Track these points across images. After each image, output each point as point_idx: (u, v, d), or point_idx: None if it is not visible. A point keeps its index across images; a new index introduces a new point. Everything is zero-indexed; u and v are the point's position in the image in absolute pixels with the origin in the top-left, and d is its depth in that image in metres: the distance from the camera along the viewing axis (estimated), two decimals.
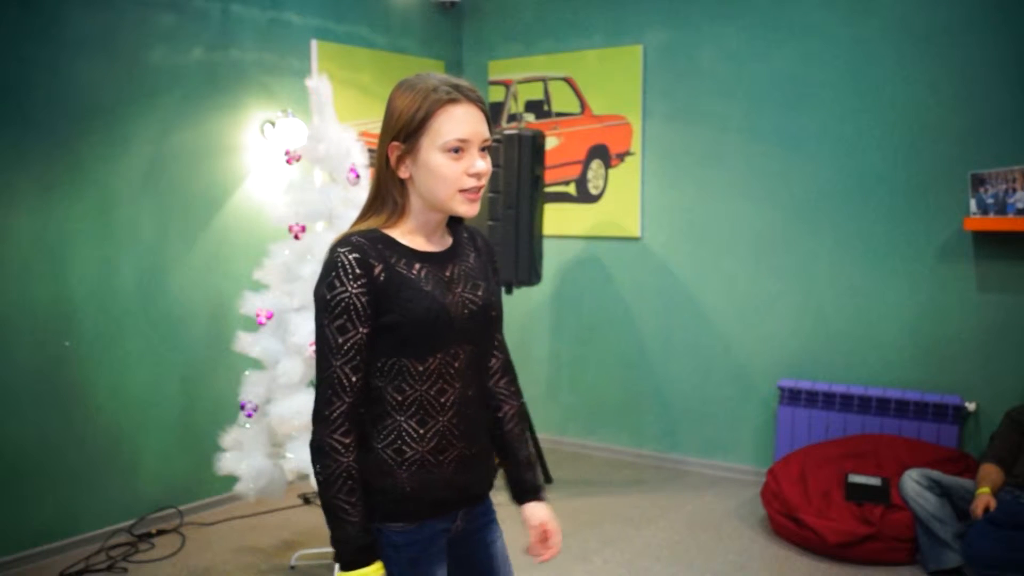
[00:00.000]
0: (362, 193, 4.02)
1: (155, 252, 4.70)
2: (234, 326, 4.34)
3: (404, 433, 1.92)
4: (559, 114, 6.07)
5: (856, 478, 4.45)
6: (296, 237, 3.93)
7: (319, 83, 4.02)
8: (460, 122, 1.86)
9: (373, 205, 1.96)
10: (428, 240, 1.97)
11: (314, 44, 5.38)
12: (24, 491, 4.26)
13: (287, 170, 4.84)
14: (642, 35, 5.70)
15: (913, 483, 4.16)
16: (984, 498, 3.92)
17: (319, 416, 1.89)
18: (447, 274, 1.96)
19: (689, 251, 5.64)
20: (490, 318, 2.02)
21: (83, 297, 4.42)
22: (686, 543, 4.54)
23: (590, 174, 5.97)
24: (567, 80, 6.02)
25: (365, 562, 1.86)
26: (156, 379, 4.74)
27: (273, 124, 5.06)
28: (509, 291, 5.24)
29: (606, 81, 5.86)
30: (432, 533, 1.98)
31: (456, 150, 1.86)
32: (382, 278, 1.85)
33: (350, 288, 1.82)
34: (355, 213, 3.96)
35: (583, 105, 5.97)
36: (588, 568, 4.26)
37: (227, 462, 4.03)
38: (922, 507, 4.10)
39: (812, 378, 5.23)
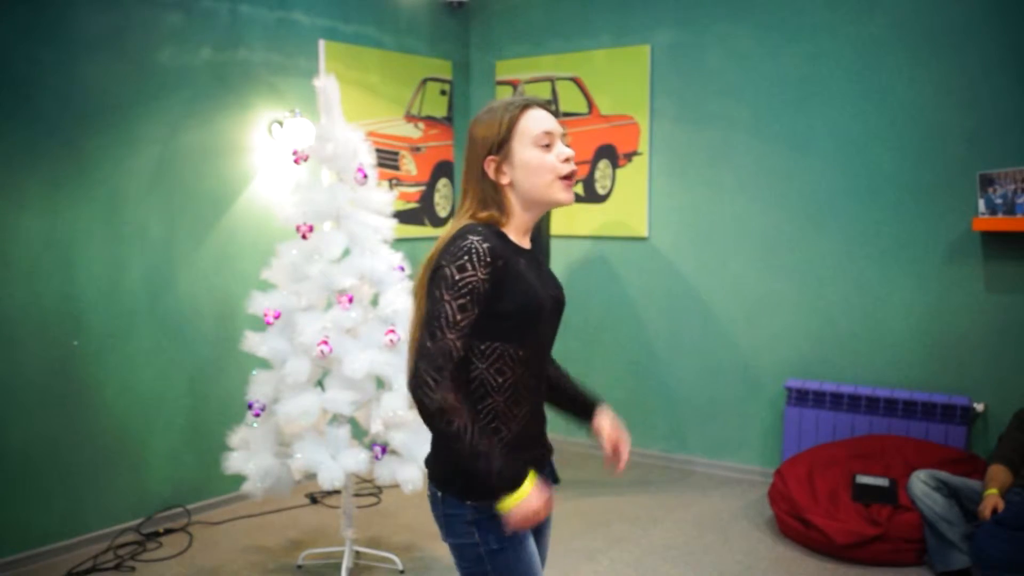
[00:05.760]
0: (369, 193, 4.03)
1: (163, 252, 4.71)
2: (242, 325, 4.34)
3: (500, 414, 2.14)
4: (567, 114, 6.07)
5: (864, 479, 4.44)
6: (304, 237, 3.94)
7: (327, 83, 4.02)
8: (541, 119, 2.15)
9: (475, 206, 2.16)
10: (523, 237, 2.21)
11: (322, 44, 5.39)
12: (33, 490, 4.27)
13: (295, 170, 4.84)
14: (650, 35, 5.69)
15: (921, 484, 4.15)
16: (992, 499, 3.91)
17: (432, 381, 2.00)
18: (539, 269, 2.21)
19: (696, 251, 5.64)
20: (562, 310, 2.27)
21: (91, 296, 4.43)
22: (693, 543, 4.54)
23: (597, 174, 5.96)
24: (575, 80, 6.02)
25: (522, 479, 2.03)
26: (164, 378, 4.75)
27: (281, 124, 5.06)
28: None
29: (614, 81, 5.86)
30: None
31: (545, 144, 2.13)
32: (504, 269, 2.05)
33: (479, 273, 2.02)
34: (363, 213, 3.99)
35: (590, 105, 5.97)
36: (595, 568, 4.25)
37: (234, 461, 4.03)
38: (930, 508, 4.09)
39: (820, 378, 5.22)
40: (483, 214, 2.15)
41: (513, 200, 2.17)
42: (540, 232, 5.07)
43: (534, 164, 2.12)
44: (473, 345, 2.09)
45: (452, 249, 2.04)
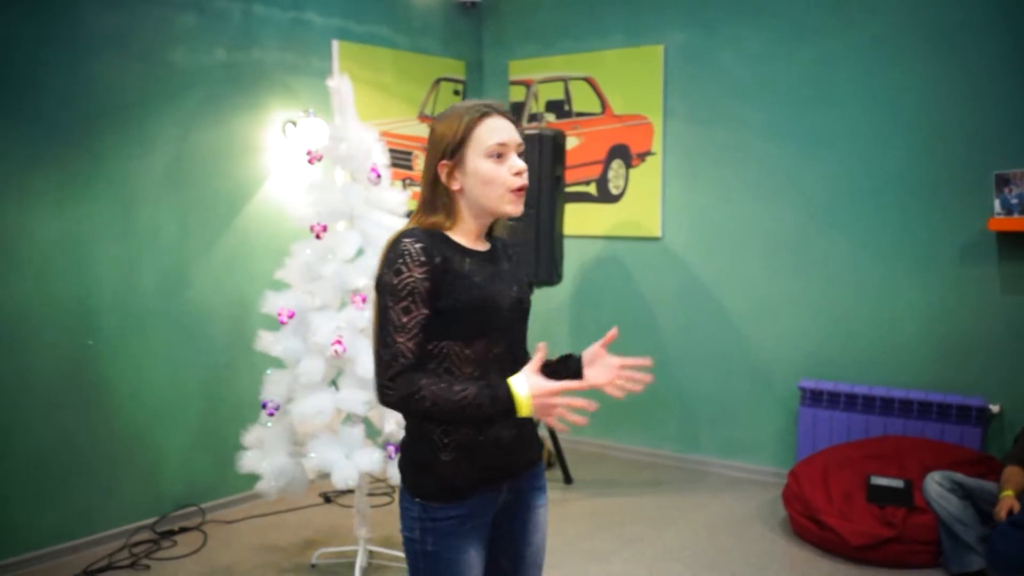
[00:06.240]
0: (383, 192, 4.04)
1: (177, 252, 4.73)
2: (256, 325, 4.35)
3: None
4: (580, 114, 6.06)
5: (878, 480, 4.42)
6: (317, 237, 3.95)
7: (340, 83, 4.03)
8: (497, 130, 2.13)
9: (426, 210, 2.18)
10: (475, 240, 2.21)
11: (335, 44, 5.40)
12: (48, 488, 4.29)
13: (308, 170, 4.84)
14: (663, 35, 5.68)
15: (936, 485, 4.13)
16: (1008, 501, 3.89)
17: (389, 385, 2.05)
18: (491, 270, 2.19)
19: (709, 251, 5.63)
20: (524, 311, 2.27)
21: (105, 296, 4.45)
22: (706, 544, 4.53)
23: (611, 174, 5.96)
24: (588, 80, 6.02)
25: (507, 396, 2.01)
26: (178, 378, 4.77)
27: (295, 124, 5.07)
28: (530, 290, 5.23)
29: (627, 81, 5.85)
30: (471, 511, 2.17)
31: (498, 155, 2.12)
32: (441, 267, 2.07)
33: (415, 273, 2.05)
34: (377, 213, 4.00)
35: (604, 105, 5.96)
36: (607, 569, 4.25)
37: (249, 460, 4.04)
38: (945, 509, 4.07)
39: (834, 379, 5.20)
40: (428, 220, 2.17)
41: (463, 206, 2.17)
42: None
43: (485, 175, 2.12)
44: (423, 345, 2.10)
45: (388, 256, 2.09)
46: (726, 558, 4.36)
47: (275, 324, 4.03)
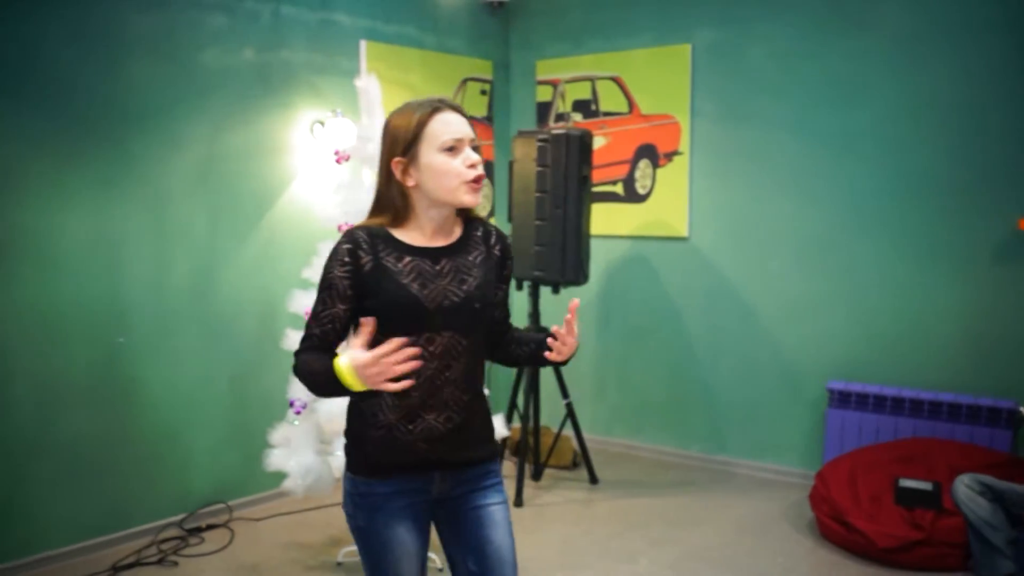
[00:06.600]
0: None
1: (207, 250, 4.77)
2: (283, 324, 4.39)
3: (382, 400, 2.21)
4: (607, 113, 6.06)
5: (907, 482, 4.39)
6: None
7: (368, 83, 4.05)
8: (449, 124, 2.18)
9: (375, 208, 2.26)
10: (432, 236, 2.25)
11: (363, 44, 5.42)
12: (78, 485, 4.34)
13: (336, 170, 4.87)
14: (690, 34, 5.67)
15: (965, 488, 4.09)
16: None
17: (295, 356, 2.25)
18: (437, 268, 2.22)
19: (737, 251, 5.60)
20: (473, 310, 2.24)
21: (136, 295, 4.49)
22: (733, 546, 4.51)
23: (638, 174, 5.94)
24: (615, 79, 6.01)
25: (331, 368, 2.09)
26: (207, 376, 4.81)
27: (323, 124, 5.10)
28: (556, 291, 5.23)
29: (654, 80, 5.83)
30: (399, 490, 2.25)
31: (451, 148, 2.17)
32: (367, 268, 2.18)
33: (338, 271, 2.19)
34: None
35: (631, 104, 5.95)
36: (634, 569, 4.24)
37: (276, 459, 4.07)
38: (974, 513, 4.03)
39: (862, 380, 5.16)
40: (375, 219, 2.24)
41: (418, 200, 2.22)
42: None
43: (439, 168, 2.16)
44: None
45: (330, 252, 2.23)
46: (752, 559, 4.34)
47: (302, 323, 4.03)
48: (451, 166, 2.16)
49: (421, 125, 2.16)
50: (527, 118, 6.47)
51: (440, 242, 2.25)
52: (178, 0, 4.56)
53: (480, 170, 2.19)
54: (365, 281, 2.18)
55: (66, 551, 4.30)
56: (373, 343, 2.08)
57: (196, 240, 4.72)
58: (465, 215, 2.33)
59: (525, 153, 5.10)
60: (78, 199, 4.27)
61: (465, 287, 2.23)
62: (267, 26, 4.94)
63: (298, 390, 4.03)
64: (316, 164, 5.16)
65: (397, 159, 2.18)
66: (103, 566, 4.26)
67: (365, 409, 2.25)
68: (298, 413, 4.02)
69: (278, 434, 4.11)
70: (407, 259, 2.19)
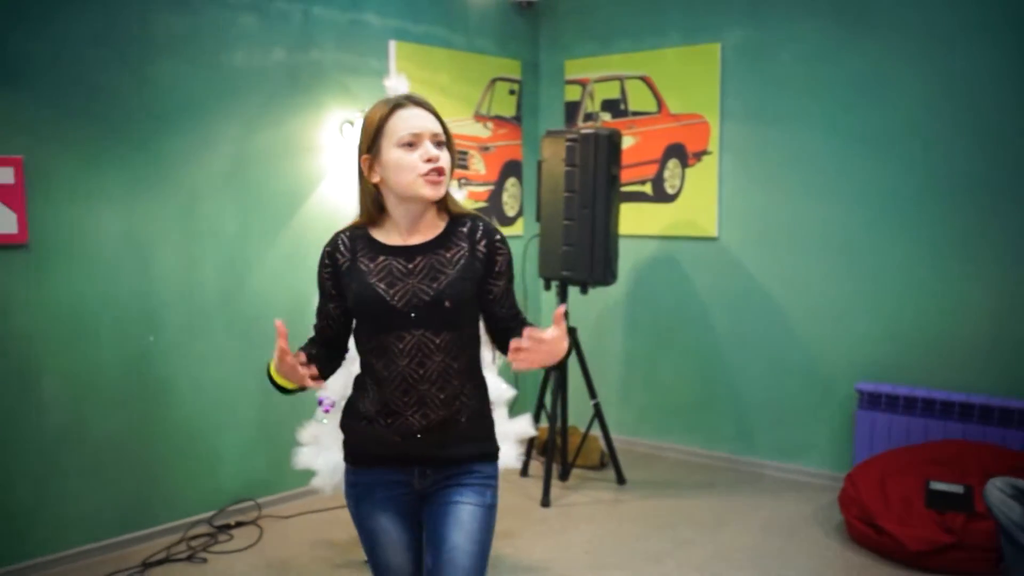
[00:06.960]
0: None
1: (236, 250, 4.80)
2: (311, 323, 4.39)
3: (366, 394, 2.33)
4: (635, 113, 6.04)
5: (938, 485, 4.34)
6: None
7: (397, 83, 4.06)
8: (407, 119, 2.22)
9: (359, 209, 2.34)
10: (408, 233, 2.29)
11: (392, 44, 5.44)
12: (109, 481, 4.39)
13: None
14: (720, 33, 5.64)
15: (997, 491, 4.04)
16: None
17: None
18: (410, 266, 2.26)
19: (767, 251, 5.57)
20: (443, 308, 2.24)
21: (167, 293, 4.53)
22: (761, 548, 4.49)
23: (666, 173, 5.93)
24: (644, 79, 5.99)
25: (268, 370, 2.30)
26: (236, 374, 4.84)
27: (352, 124, 5.12)
28: (584, 291, 5.23)
29: (683, 80, 5.81)
30: (380, 481, 2.33)
31: (409, 144, 2.20)
32: (344, 268, 2.30)
33: (322, 273, 2.36)
34: None
35: (660, 104, 5.93)
36: (661, 570, 4.23)
37: (304, 457, 4.09)
38: (1007, 516, 3.98)
39: (892, 381, 5.11)
40: (358, 219, 2.34)
41: (388, 197, 2.28)
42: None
43: (397, 163, 2.21)
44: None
45: None
46: (781, 562, 4.31)
47: None
48: (407, 160, 2.19)
49: (382, 121, 2.22)
50: (556, 118, 6.47)
51: (417, 240, 2.29)
52: (208, 1, 4.60)
53: (440, 163, 2.21)
54: (341, 281, 2.30)
55: (96, 547, 4.34)
56: (357, 338, 2.34)
57: (226, 240, 4.75)
58: (449, 211, 2.33)
59: (554, 153, 5.10)
60: (109, 199, 4.31)
61: (436, 284, 2.24)
62: (297, 26, 4.97)
63: (326, 388, 4.04)
64: (345, 164, 5.18)
65: (364, 156, 2.26)
66: (133, 562, 4.30)
67: (353, 401, 2.37)
68: (327, 411, 4.04)
69: (306, 432, 4.13)
70: (380, 259, 2.27)
